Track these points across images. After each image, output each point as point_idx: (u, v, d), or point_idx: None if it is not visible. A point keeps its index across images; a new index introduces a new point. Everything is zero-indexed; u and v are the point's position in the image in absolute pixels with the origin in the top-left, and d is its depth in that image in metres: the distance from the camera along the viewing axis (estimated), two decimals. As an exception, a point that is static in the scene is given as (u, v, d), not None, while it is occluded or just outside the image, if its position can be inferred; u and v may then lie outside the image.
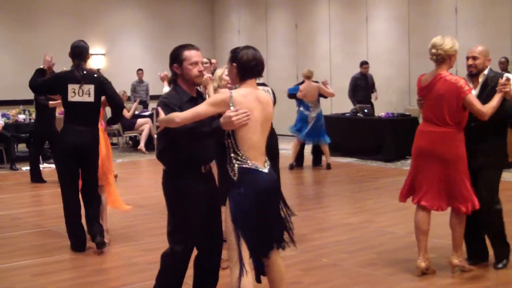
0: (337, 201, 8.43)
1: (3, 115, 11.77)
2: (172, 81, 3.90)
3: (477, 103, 4.64)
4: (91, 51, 6.34)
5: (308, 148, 11.07)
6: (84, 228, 5.94)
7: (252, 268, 3.74)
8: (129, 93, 14.93)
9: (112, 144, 12.13)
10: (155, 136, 11.73)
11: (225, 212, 3.64)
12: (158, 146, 3.89)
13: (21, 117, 12.22)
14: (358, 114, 12.13)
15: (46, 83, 5.91)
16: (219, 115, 3.55)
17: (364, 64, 12.70)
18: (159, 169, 3.94)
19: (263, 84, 5.64)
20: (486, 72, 4.91)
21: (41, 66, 5.93)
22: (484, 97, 4.76)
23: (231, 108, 3.49)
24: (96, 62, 15.75)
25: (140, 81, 15.37)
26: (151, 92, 15.27)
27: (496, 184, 4.95)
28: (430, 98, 4.78)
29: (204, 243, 3.92)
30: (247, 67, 3.61)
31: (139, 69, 15.34)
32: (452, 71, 4.88)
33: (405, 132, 11.12)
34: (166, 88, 4.81)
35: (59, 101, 6.33)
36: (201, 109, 3.54)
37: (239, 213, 3.55)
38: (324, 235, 6.40)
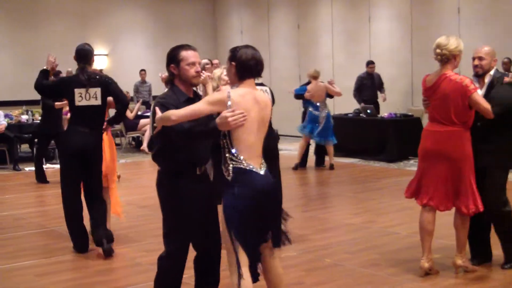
0: (339, 201, 8.43)
1: (6, 116, 11.78)
2: (169, 82, 3.88)
3: (483, 102, 4.64)
4: (93, 51, 6.35)
5: (311, 149, 11.06)
6: (86, 229, 5.94)
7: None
8: (132, 94, 14.94)
9: (115, 144, 12.12)
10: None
11: (221, 213, 3.63)
12: (154, 147, 3.86)
13: (24, 117, 12.24)
14: (361, 115, 12.12)
15: (51, 87, 5.94)
16: (217, 114, 3.52)
17: (370, 64, 12.72)
18: (161, 170, 3.93)
19: (261, 84, 5.60)
20: (492, 72, 4.90)
21: (44, 67, 5.94)
22: (490, 97, 4.75)
23: (228, 108, 3.46)
24: (98, 62, 15.74)
25: (143, 81, 15.38)
26: (154, 93, 15.26)
27: (503, 185, 4.93)
28: (436, 98, 4.77)
29: (201, 244, 3.90)
30: (246, 66, 3.58)
31: (142, 70, 15.35)
32: (455, 71, 4.86)
33: (408, 132, 11.12)
34: None
35: (66, 101, 6.34)
36: (198, 107, 3.51)
37: (232, 213, 3.51)
38: (326, 235, 6.39)
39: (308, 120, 10.43)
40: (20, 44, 14.92)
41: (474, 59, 4.89)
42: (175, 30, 16.70)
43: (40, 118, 11.11)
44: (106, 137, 6.09)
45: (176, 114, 3.47)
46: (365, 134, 11.79)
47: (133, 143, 14.67)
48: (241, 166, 3.52)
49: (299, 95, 10.47)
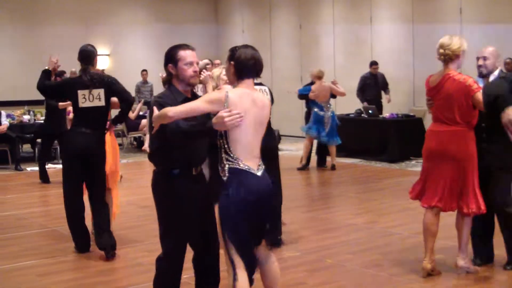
0: (341, 201, 8.42)
1: (8, 116, 11.79)
2: (167, 82, 3.85)
3: None
4: (95, 51, 6.34)
5: (313, 149, 11.04)
6: (88, 229, 5.94)
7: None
8: (133, 94, 14.94)
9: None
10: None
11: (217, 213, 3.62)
12: (151, 147, 3.83)
13: (26, 117, 12.25)
14: (362, 115, 12.11)
15: (54, 87, 5.93)
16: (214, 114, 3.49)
17: (373, 64, 12.72)
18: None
19: (260, 84, 5.57)
20: (496, 73, 4.89)
21: (46, 67, 5.94)
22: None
23: (225, 108, 3.43)
24: (100, 63, 15.74)
25: (145, 81, 15.38)
26: (156, 93, 15.23)
27: (508, 186, 4.91)
28: (439, 98, 4.76)
29: (199, 244, 3.89)
30: (244, 66, 3.55)
31: (144, 70, 15.35)
32: (458, 71, 4.85)
33: (410, 133, 11.12)
34: None
35: (69, 102, 6.34)
36: (196, 105, 3.49)
37: (226, 214, 3.49)
38: (328, 235, 6.39)
39: (313, 120, 10.37)
40: (21, 44, 14.93)
41: (478, 59, 4.88)
42: (177, 30, 16.69)
43: (42, 118, 11.12)
44: (109, 138, 6.08)
45: (173, 110, 3.44)
46: (367, 134, 11.78)
47: (135, 143, 14.68)
48: (237, 166, 3.49)
49: (303, 95, 10.45)
